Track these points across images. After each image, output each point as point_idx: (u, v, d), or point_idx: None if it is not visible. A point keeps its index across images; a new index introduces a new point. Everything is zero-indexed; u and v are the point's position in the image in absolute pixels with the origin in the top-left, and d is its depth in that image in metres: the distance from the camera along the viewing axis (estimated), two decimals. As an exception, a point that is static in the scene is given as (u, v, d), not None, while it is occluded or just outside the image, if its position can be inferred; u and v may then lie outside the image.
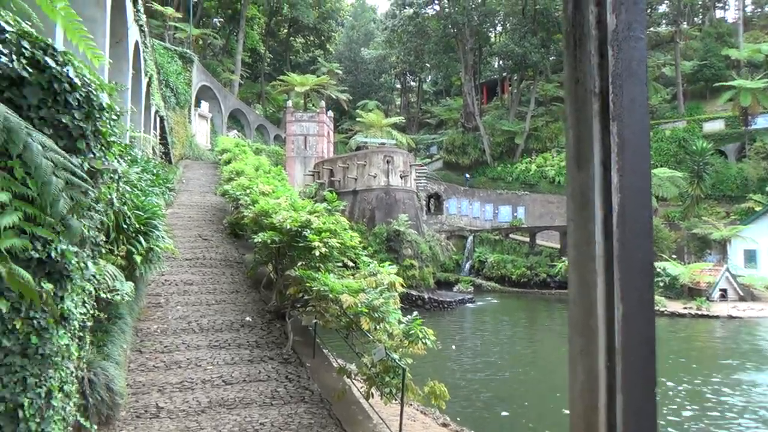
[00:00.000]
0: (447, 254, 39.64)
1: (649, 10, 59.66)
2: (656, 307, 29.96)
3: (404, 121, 64.29)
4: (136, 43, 19.65)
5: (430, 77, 79.89)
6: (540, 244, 42.35)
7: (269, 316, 11.89)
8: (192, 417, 7.67)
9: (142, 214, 9.35)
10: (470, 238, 43.93)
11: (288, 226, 11.02)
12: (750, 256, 37.85)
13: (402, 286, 9.97)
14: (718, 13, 68.09)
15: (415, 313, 9.04)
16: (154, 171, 17.39)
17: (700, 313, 29.66)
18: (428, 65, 67.71)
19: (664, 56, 58.06)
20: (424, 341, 8.32)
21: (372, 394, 8.31)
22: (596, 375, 0.94)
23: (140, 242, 8.81)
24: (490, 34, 65.33)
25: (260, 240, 11.38)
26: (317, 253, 10.41)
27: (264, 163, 25.12)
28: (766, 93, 47.14)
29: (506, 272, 40.08)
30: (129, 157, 11.20)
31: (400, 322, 8.75)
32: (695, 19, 66.02)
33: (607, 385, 0.93)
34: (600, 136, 1.00)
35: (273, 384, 8.96)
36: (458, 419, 11.58)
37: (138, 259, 8.72)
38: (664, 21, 63.09)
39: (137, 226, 8.86)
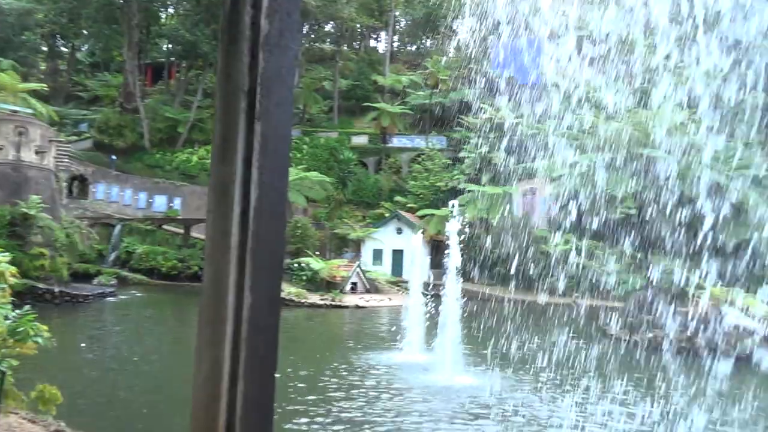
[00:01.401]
0: (89, 243, 35.63)
1: (316, 27, 64.52)
2: (299, 299, 32.15)
3: (48, 89, 55.94)
4: None
5: (86, 46, 71.37)
6: (196, 237, 41.48)
7: None
8: None
9: None
10: (118, 226, 40.48)
11: None
12: (378, 255, 43.85)
13: (16, 276, 8.46)
14: (372, 43, 77.41)
15: (27, 307, 7.73)
16: None
17: (334, 303, 32.86)
18: (85, 32, 60.54)
19: (325, 71, 63.19)
20: (35, 339, 7.16)
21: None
22: (221, 364, 0.96)
23: None
24: (161, 13, 61.77)
25: None
26: None
27: None
28: (401, 117, 55.29)
29: (156, 264, 38.13)
30: None
31: (6, 318, 7.41)
32: (354, 43, 73.71)
33: (230, 374, 0.95)
34: (245, 133, 1.01)
35: None
36: (79, 422, 10.22)
37: None
38: (328, 40, 68.89)
39: None
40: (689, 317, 20.55)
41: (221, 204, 1.05)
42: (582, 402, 12.45)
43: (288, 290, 32.25)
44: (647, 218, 19.83)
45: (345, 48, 67.51)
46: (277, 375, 1.02)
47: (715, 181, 21.81)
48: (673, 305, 22.24)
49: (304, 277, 35.28)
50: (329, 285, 35.81)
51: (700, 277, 21.43)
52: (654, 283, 22.22)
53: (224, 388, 0.98)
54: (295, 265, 35.90)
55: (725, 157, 22.57)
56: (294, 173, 40.77)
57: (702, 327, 19.24)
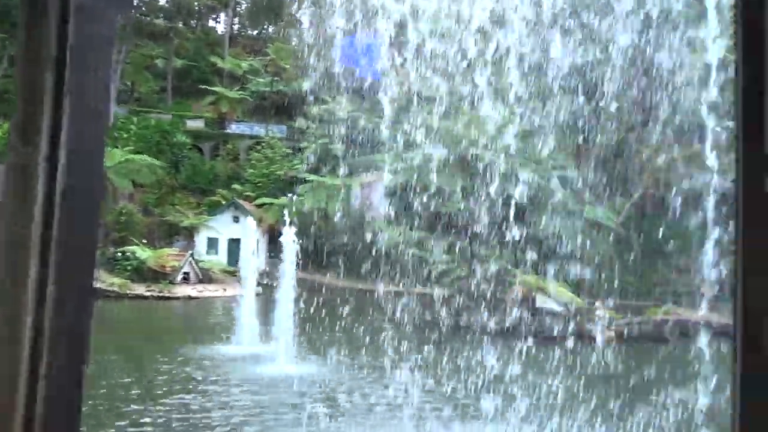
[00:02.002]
0: None
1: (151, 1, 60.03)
2: (122, 291, 29.92)
3: None
4: None
5: None
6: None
7: None
8: None
9: None
10: None
11: None
12: (213, 244, 42.25)
13: None
14: (211, 23, 74.02)
15: None
16: None
17: (163, 295, 31.08)
18: None
19: (158, 48, 59.17)
20: None
21: None
22: (20, 362, 0.88)
23: None
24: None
25: None
26: None
27: None
28: (241, 103, 53.65)
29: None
30: None
31: None
32: (191, 21, 69.74)
33: (29, 372, 0.87)
34: (51, 109, 0.93)
35: None
36: None
37: None
38: (162, 15, 64.48)
39: None
40: (507, 303, 22.55)
41: (21, 188, 0.94)
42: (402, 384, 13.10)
43: (110, 281, 29.88)
44: (474, 212, 21.38)
45: (181, 25, 63.74)
46: (88, 372, 0.94)
47: (532, 179, 24.15)
48: (491, 292, 24.26)
49: (129, 267, 32.92)
50: (158, 275, 33.78)
51: (516, 266, 23.63)
52: (477, 272, 24.03)
53: (22, 389, 0.88)
54: (119, 254, 33.34)
55: (541, 158, 25.07)
56: (119, 155, 37.74)
57: (517, 311, 21.20)
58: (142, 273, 33.47)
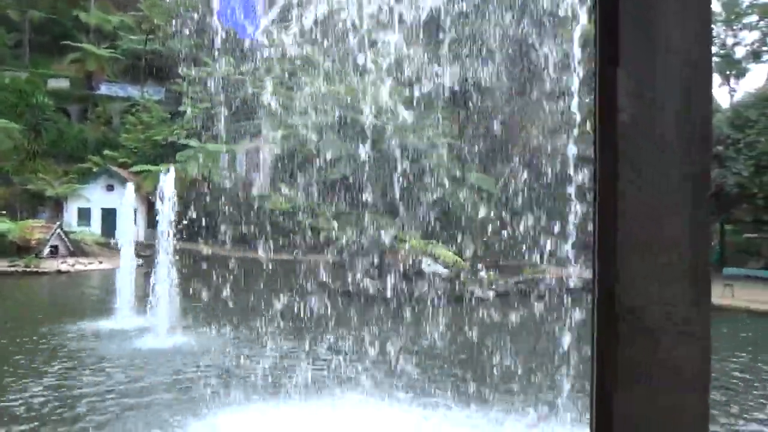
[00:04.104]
0: None
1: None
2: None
3: None
4: None
5: None
6: None
7: None
8: None
9: None
10: None
11: None
12: (84, 214, 39.39)
13: None
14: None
15: None
16: None
17: (28, 270, 28.70)
18: None
19: (11, -3, 53.12)
20: None
21: None
22: None
23: None
24: None
25: None
26: None
27: None
28: (110, 62, 49.73)
29: None
30: None
31: None
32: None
33: None
34: None
35: None
36: None
37: None
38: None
39: None
40: (394, 267, 23.06)
41: None
42: (292, 351, 13.10)
43: (-36, 257, 27.08)
44: (360, 179, 21.46)
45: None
46: None
47: (415, 146, 24.60)
48: (378, 257, 24.70)
49: (-12, 241, 29.95)
50: (21, 249, 30.99)
51: (402, 230, 24.15)
52: (365, 239, 24.30)
53: None
54: (-27, 226, 30.22)
55: (422, 126, 25.61)
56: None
57: (403, 275, 21.76)
58: (4, 247, 30.56)
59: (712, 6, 0.92)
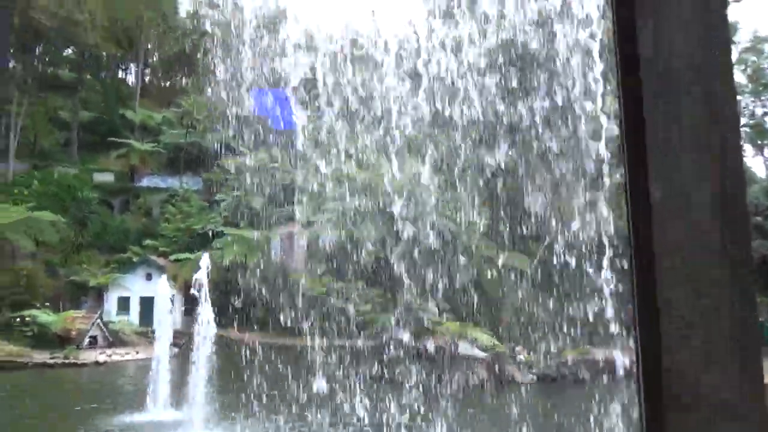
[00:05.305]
0: None
1: (53, 49, 57.79)
2: (20, 359, 27.63)
3: None
4: None
5: None
6: None
7: None
8: None
9: None
10: None
11: None
12: (124, 303, 39.95)
13: None
14: (121, 74, 72.19)
15: None
16: None
17: (68, 361, 28.95)
18: None
19: (63, 100, 56.79)
20: None
21: None
22: None
23: None
24: None
25: None
26: None
27: None
28: (152, 156, 52.13)
29: None
30: None
31: None
32: (100, 73, 67.56)
33: None
34: None
35: None
36: None
37: None
38: (68, 65, 62.24)
39: None
40: (430, 349, 22.54)
41: None
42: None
43: (7, 349, 27.55)
44: (392, 261, 21.48)
45: (88, 77, 61.64)
46: None
47: (447, 228, 24.66)
48: (412, 339, 24.22)
49: (30, 334, 30.47)
50: (63, 340, 31.43)
51: (439, 313, 23.80)
52: (400, 321, 23.99)
53: None
54: (17, 319, 30.87)
55: (452, 208, 25.74)
56: (17, 212, 35.42)
57: (435, 358, 21.23)
58: (46, 339, 31.04)
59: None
